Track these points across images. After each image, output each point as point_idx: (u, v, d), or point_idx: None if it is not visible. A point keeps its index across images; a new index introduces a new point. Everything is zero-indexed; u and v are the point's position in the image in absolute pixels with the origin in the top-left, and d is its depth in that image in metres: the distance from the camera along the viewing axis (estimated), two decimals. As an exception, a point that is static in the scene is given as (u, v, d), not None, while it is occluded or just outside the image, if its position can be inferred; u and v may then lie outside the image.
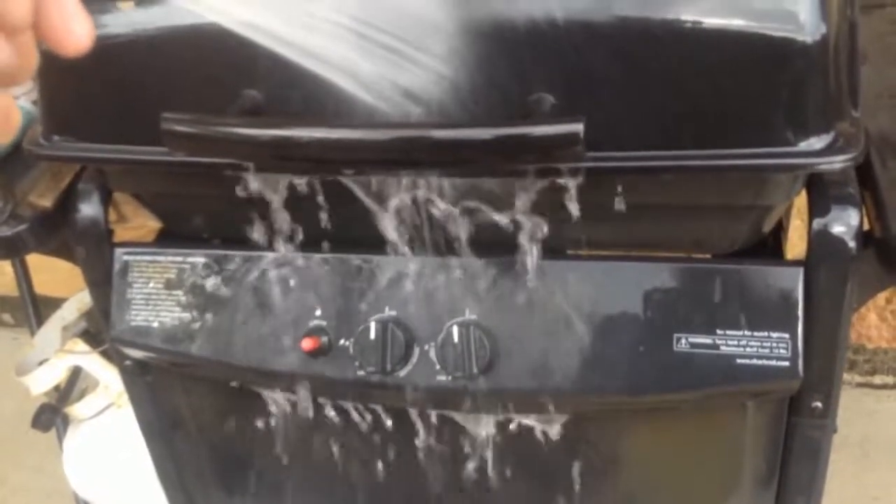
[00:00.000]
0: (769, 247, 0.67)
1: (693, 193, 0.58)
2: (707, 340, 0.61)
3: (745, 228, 0.63)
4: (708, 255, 0.65)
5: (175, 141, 0.56)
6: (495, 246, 0.63)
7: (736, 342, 0.61)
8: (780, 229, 0.69)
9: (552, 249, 0.63)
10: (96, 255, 0.71)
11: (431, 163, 0.52)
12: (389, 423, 0.71)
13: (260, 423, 0.73)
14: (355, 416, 0.71)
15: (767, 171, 0.53)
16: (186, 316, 0.69)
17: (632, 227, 0.63)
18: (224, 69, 0.57)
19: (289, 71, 0.50)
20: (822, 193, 0.60)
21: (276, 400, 0.72)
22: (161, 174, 0.65)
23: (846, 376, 1.35)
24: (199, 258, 0.70)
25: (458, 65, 0.51)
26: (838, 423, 1.30)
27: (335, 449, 0.75)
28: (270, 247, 0.66)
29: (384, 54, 0.48)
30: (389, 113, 0.50)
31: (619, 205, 0.57)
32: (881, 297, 1.22)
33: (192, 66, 0.58)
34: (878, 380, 1.34)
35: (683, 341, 0.62)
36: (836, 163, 0.53)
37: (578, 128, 0.47)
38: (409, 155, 0.50)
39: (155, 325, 0.69)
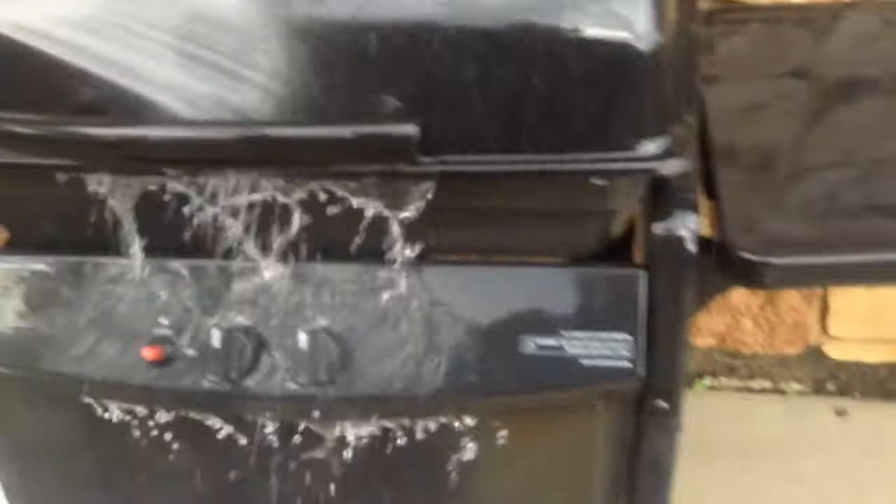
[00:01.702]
0: (620, 251, 0.68)
1: (535, 197, 0.59)
2: (552, 342, 0.62)
3: (594, 233, 0.64)
4: (561, 260, 0.66)
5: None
6: (346, 252, 0.63)
7: (580, 343, 0.62)
8: (632, 234, 0.70)
9: (403, 256, 0.63)
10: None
11: (261, 161, 0.51)
12: (243, 433, 0.69)
13: (107, 438, 0.70)
14: (210, 426, 0.69)
15: (597, 175, 0.54)
16: (28, 326, 0.66)
17: (482, 233, 0.63)
18: (56, 70, 0.55)
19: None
20: (664, 199, 0.61)
21: (125, 412, 0.70)
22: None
23: (725, 381, 1.40)
24: (41, 265, 0.67)
25: (296, 72, 0.50)
26: (720, 427, 1.35)
27: (189, 462, 0.72)
28: (116, 253, 0.64)
29: (212, 73, 0.47)
30: None
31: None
32: (755, 303, 1.27)
33: (20, 65, 0.56)
34: (756, 384, 1.39)
35: (530, 343, 0.63)
36: (669, 168, 0.54)
37: (412, 129, 0.47)
38: (237, 153, 0.49)
39: (-5, 336, 0.66)
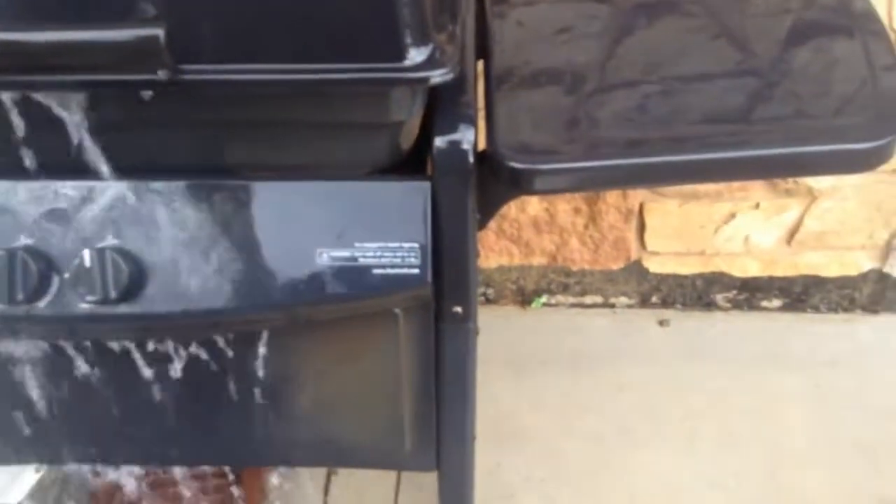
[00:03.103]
0: (419, 164, 0.71)
1: (316, 110, 0.60)
2: (346, 253, 0.65)
3: (383, 146, 0.66)
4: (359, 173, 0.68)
5: None
6: (136, 169, 0.63)
7: (372, 254, 0.65)
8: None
9: (199, 171, 0.64)
10: None
11: (18, 68, 0.49)
12: (43, 356, 0.69)
13: None
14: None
15: (358, 85, 0.56)
16: None
17: (273, 148, 0.64)
18: None
19: None
20: (444, 112, 0.64)
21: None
22: None
23: (561, 298, 1.48)
24: None
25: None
26: (555, 341, 1.43)
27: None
28: None
29: None
30: None
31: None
32: (580, 222, 1.34)
33: None
34: (588, 300, 1.48)
35: (325, 255, 0.65)
36: (434, 77, 0.57)
37: (159, 32, 0.47)
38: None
39: None
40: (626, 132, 0.64)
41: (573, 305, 1.49)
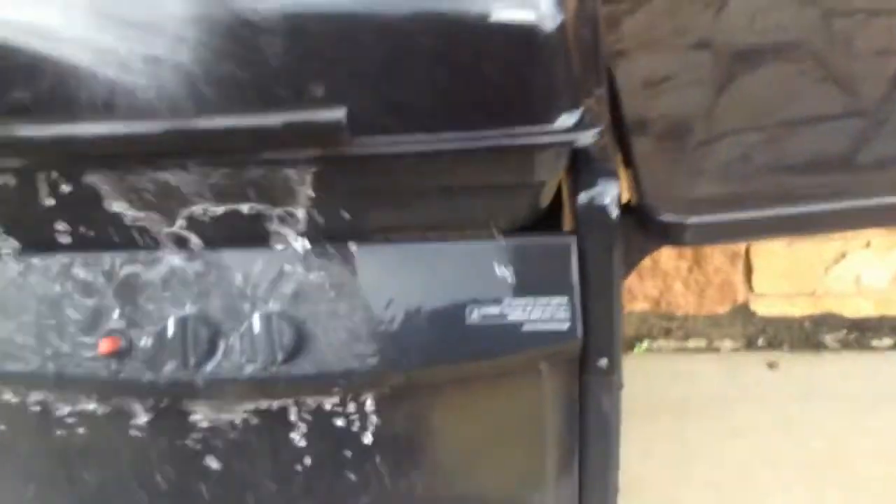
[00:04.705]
0: (550, 219, 0.72)
1: (467, 175, 0.62)
2: (495, 311, 0.66)
3: (525, 205, 0.68)
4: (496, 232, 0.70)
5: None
6: (290, 236, 0.66)
7: (521, 310, 0.66)
8: (561, 204, 0.74)
9: (347, 237, 0.66)
10: None
11: (191, 153, 0.53)
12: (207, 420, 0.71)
13: (61, 434, 0.71)
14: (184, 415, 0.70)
15: (520, 150, 0.58)
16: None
17: (423, 212, 0.66)
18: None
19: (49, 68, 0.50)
20: (586, 168, 0.66)
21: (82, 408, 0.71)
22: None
23: (663, 343, 1.46)
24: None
25: (220, 64, 0.52)
26: (661, 387, 1.40)
27: (157, 453, 0.74)
28: (62, 247, 0.65)
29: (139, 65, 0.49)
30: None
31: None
32: (684, 266, 1.33)
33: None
34: (692, 344, 1.46)
35: (476, 313, 0.66)
36: (584, 139, 0.58)
37: (340, 114, 0.50)
38: (168, 146, 0.51)
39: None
40: (775, 181, 0.64)
41: (676, 350, 1.47)
